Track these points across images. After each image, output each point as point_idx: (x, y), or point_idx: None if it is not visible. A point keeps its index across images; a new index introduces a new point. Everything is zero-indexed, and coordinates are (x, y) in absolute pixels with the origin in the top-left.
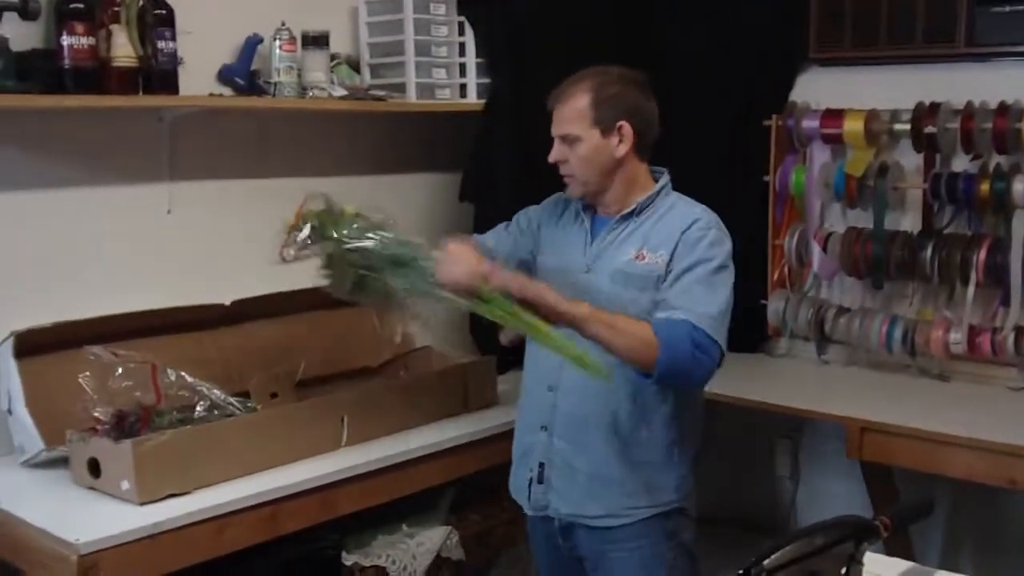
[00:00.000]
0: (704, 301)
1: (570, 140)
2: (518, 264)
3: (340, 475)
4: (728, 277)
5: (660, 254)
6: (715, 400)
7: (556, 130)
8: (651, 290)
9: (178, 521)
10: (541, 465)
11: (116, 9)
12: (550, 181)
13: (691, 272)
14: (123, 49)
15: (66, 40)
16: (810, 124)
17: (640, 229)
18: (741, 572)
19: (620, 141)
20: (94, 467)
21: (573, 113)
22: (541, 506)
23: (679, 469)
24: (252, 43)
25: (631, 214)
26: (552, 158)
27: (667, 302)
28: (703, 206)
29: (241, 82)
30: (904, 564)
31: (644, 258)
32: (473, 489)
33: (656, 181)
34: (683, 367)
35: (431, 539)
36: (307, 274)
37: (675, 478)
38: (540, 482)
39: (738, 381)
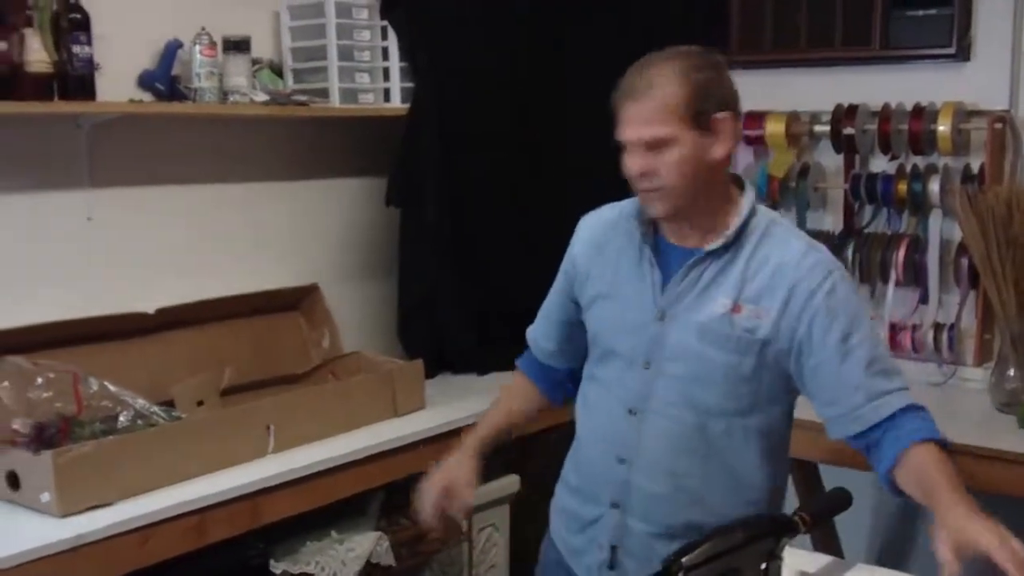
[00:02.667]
0: (894, 364)
1: (659, 144)
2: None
3: (267, 482)
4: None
5: (764, 307)
6: None
7: (636, 133)
8: (736, 352)
9: (101, 533)
10: (613, 549)
11: (29, 13)
12: (474, 184)
13: (857, 337)
14: (37, 54)
15: None
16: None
17: (734, 267)
18: (660, 570)
19: (717, 140)
20: (12, 480)
21: (663, 108)
22: None
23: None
24: (172, 48)
25: (726, 246)
26: (637, 170)
27: (867, 385)
28: (805, 236)
29: (161, 88)
30: (824, 558)
31: (742, 311)
32: (403, 494)
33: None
34: None
35: (361, 545)
36: (233, 280)
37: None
38: (612, 568)
39: None
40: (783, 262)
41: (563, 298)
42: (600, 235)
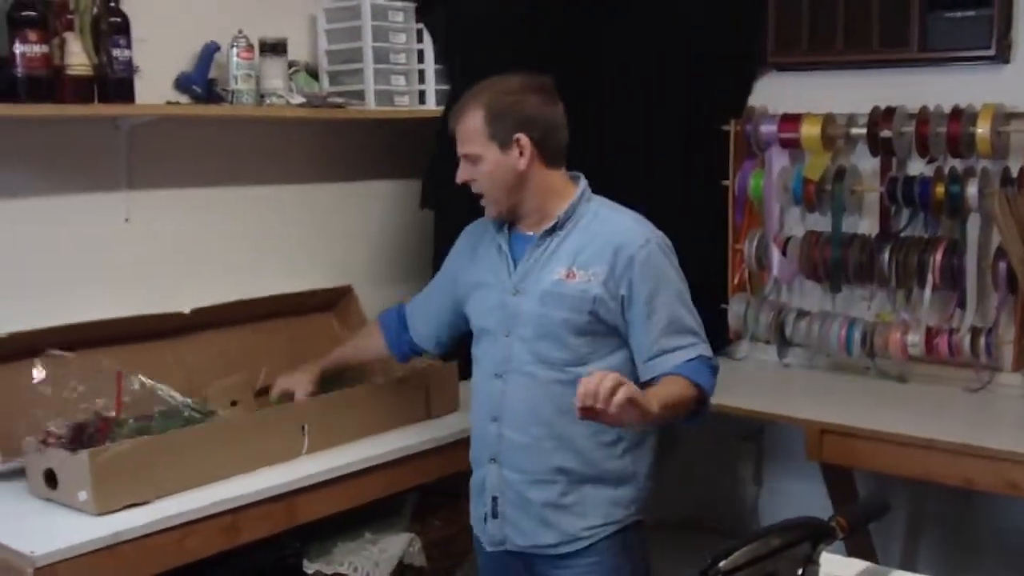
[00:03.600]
0: (692, 323)
1: (472, 159)
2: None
3: (302, 483)
4: (685, 285)
5: (593, 272)
6: None
7: (459, 149)
8: (586, 311)
9: (138, 531)
10: (494, 499)
11: (70, 17)
12: None
13: (661, 298)
14: (77, 57)
15: (19, 48)
16: (768, 129)
17: (566, 244)
18: (699, 574)
19: (520, 154)
20: (51, 478)
21: (470, 131)
22: (498, 541)
23: (637, 482)
24: (209, 51)
25: (553, 228)
26: (459, 179)
27: (662, 342)
28: (631, 212)
29: (198, 90)
30: (860, 564)
31: (575, 276)
32: (436, 495)
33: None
34: (711, 398)
35: (393, 546)
36: (267, 280)
37: (633, 491)
38: (495, 517)
39: None
40: (610, 234)
41: (445, 289)
42: (474, 236)
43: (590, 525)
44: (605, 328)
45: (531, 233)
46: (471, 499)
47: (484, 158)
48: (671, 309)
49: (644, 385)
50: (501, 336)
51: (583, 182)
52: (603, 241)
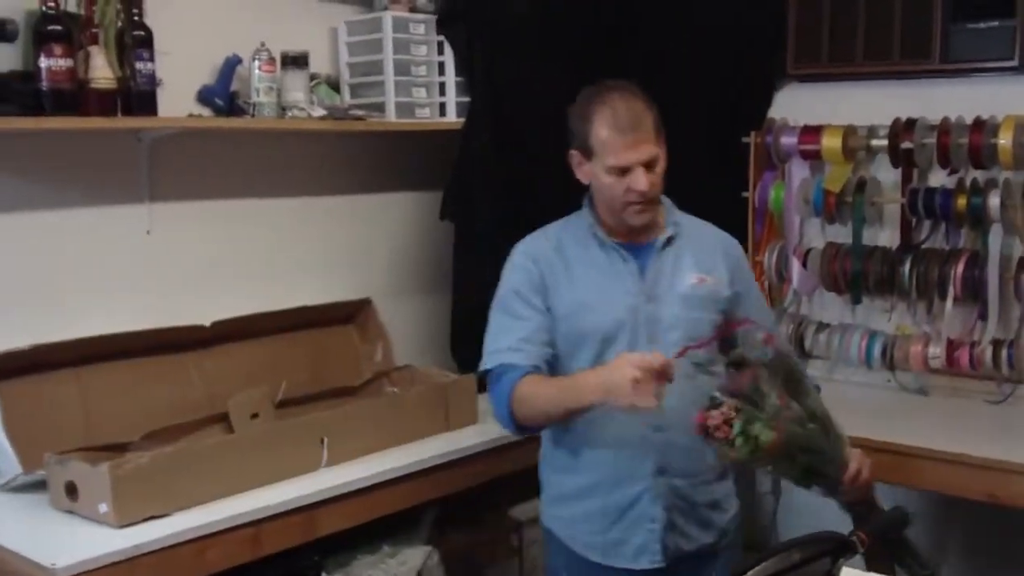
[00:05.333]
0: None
1: (654, 162)
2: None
3: (321, 495)
4: None
5: (717, 275)
6: None
7: (639, 156)
8: (716, 311)
9: (158, 543)
10: (666, 513)
11: (94, 31)
12: (529, 198)
13: (756, 288)
14: (102, 71)
15: (44, 62)
16: (788, 140)
17: (683, 251)
18: None
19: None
20: (71, 490)
21: (650, 132)
22: (672, 553)
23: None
24: (231, 64)
25: (671, 237)
26: (642, 186)
27: (761, 321)
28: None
29: (220, 103)
30: None
31: (705, 280)
32: (455, 508)
33: None
34: None
35: (412, 559)
36: (288, 293)
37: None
38: (672, 530)
39: None
40: (711, 238)
41: (541, 318)
42: (550, 251)
43: (732, 515)
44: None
45: (642, 242)
46: (593, 529)
47: (660, 159)
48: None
49: None
50: (642, 343)
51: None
52: (711, 245)
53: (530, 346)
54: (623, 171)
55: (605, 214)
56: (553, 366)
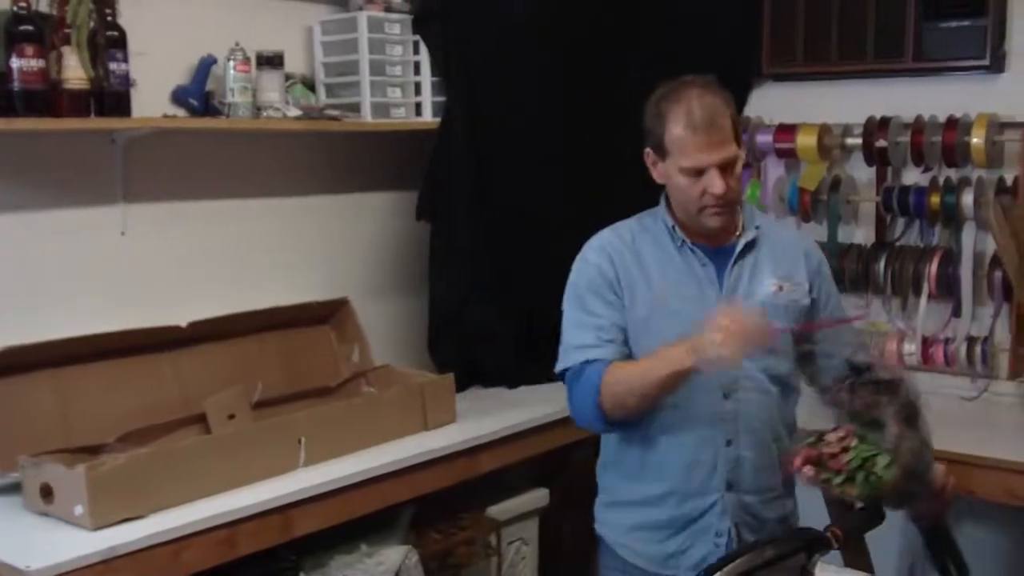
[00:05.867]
0: None
1: (732, 163)
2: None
3: (298, 496)
4: None
5: (797, 280)
6: None
7: (715, 157)
8: (794, 320)
9: (134, 545)
10: (735, 528)
11: (67, 31)
12: (505, 198)
13: (835, 294)
14: (74, 71)
15: (16, 62)
16: (764, 139)
17: (762, 256)
18: None
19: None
20: (47, 492)
21: (728, 132)
22: None
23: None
24: (206, 64)
25: (753, 240)
26: (721, 189)
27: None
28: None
29: (195, 103)
30: (856, 574)
31: (784, 289)
32: (433, 507)
33: None
34: None
35: (390, 558)
36: (264, 293)
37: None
38: (738, 544)
39: None
40: (790, 242)
41: (616, 314)
42: (624, 249)
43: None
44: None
45: (717, 245)
46: (654, 539)
47: (738, 161)
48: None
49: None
50: None
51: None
52: (792, 250)
53: (609, 343)
54: (698, 172)
55: (681, 215)
56: None
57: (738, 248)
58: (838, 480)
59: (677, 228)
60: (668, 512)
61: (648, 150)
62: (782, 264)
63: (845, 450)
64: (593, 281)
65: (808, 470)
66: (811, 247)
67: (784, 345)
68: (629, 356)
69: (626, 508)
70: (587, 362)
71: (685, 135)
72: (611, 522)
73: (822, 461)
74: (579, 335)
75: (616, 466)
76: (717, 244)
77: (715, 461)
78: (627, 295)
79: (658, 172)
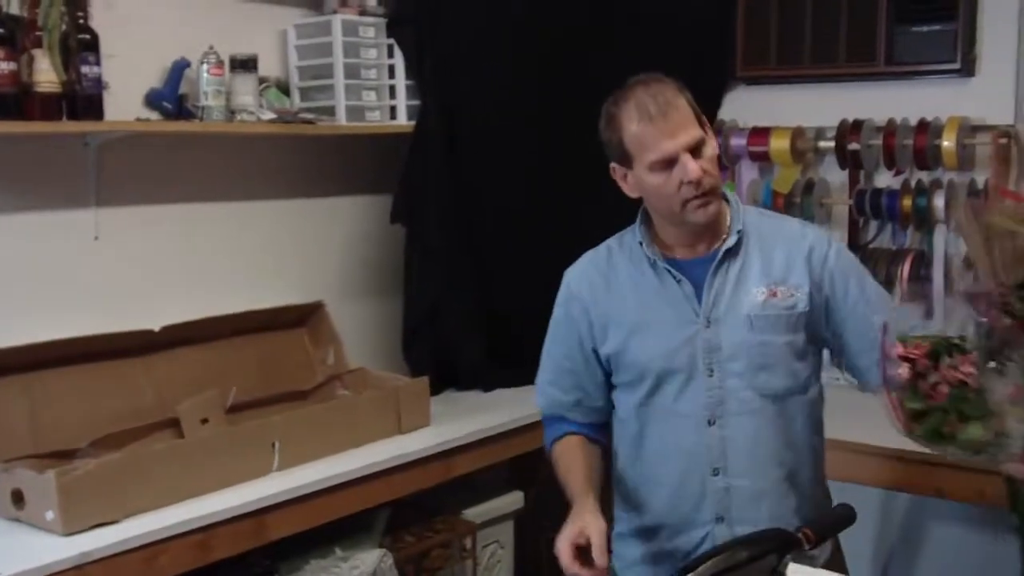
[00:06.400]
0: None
1: (699, 145)
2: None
3: (272, 500)
4: None
5: (793, 283)
6: None
7: (680, 142)
8: (788, 332)
9: (107, 551)
10: None
11: (38, 34)
12: (480, 201)
13: (867, 288)
14: (46, 74)
15: None
16: (737, 142)
17: (750, 260)
18: None
19: (711, 138)
20: (18, 498)
21: (687, 114)
22: None
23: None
24: (179, 67)
25: (735, 245)
26: (698, 173)
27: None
28: (790, 216)
29: (169, 106)
30: (828, 575)
31: (777, 295)
32: (408, 511)
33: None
34: None
35: (365, 562)
36: (238, 297)
37: None
38: None
39: None
40: (790, 241)
41: (576, 357)
42: (598, 279)
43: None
44: (814, 347)
45: (701, 255)
46: (649, 567)
47: (707, 143)
48: (883, 293)
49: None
50: (702, 376)
51: (730, 191)
52: (787, 248)
53: (554, 390)
54: (668, 163)
55: (665, 224)
56: (612, 396)
57: (718, 257)
58: (916, 404)
59: (645, 244)
60: (660, 545)
61: (613, 166)
62: (775, 266)
63: (950, 384)
64: (557, 317)
65: (904, 370)
66: (816, 240)
67: (775, 358)
68: (599, 393)
69: (629, 539)
70: (546, 417)
71: (641, 128)
72: (619, 553)
73: (923, 373)
74: (545, 368)
75: (617, 493)
76: (696, 255)
77: (703, 492)
78: (599, 333)
79: (629, 185)
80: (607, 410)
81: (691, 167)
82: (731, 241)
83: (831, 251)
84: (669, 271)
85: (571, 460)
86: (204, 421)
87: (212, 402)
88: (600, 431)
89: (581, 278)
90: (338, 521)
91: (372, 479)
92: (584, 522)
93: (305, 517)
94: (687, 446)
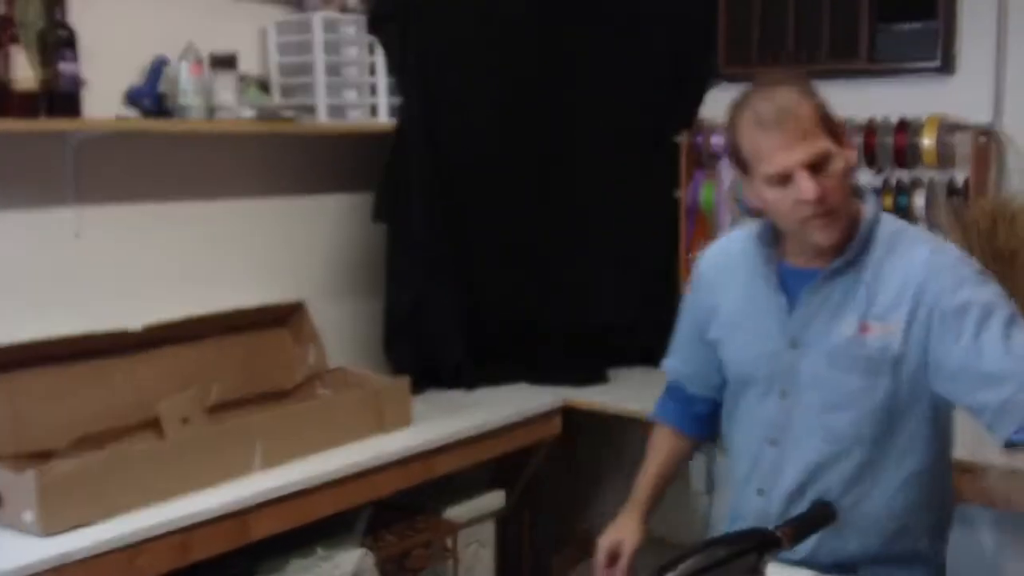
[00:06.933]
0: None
1: (821, 161)
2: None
3: (254, 500)
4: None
5: (892, 322)
6: (629, 416)
7: (797, 156)
8: (886, 375)
9: (86, 552)
10: None
11: (15, 30)
12: (463, 199)
13: (985, 316)
14: (23, 71)
15: None
16: (719, 140)
17: (860, 284)
18: None
19: (847, 148)
20: None
21: (810, 123)
22: None
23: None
24: (159, 65)
25: (850, 262)
26: (813, 193)
27: (996, 373)
28: (929, 238)
29: (148, 104)
30: (807, 573)
31: (871, 330)
32: (389, 510)
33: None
34: None
35: (347, 562)
36: (219, 296)
37: None
38: None
39: (652, 395)
40: (908, 272)
41: (693, 336)
42: (723, 266)
43: None
44: (909, 399)
45: (810, 267)
46: None
47: (833, 157)
48: (1008, 334)
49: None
50: (775, 396)
51: (874, 200)
52: (900, 281)
53: (675, 359)
54: (783, 179)
55: (787, 232)
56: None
57: (825, 273)
58: None
59: (766, 242)
60: None
61: (736, 173)
62: (881, 298)
63: None
64: (687, 299)
65: None
66: (934, 272)
67: (848, 399)
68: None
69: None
70: (668, 385)
71: (756, 137)
72: None
73: None
74: (674, 336)
75: None
76: (813, 265)
77: (748, 506)
78: (704, 320)
79: (749, 194)
80: (723, 387)
81: (805, 186)
82: (836, 263)
83: (946, 287)
84: (770, 277)
85: (651, 457)
86: (185, 421)
87: (192, 401)
88: (705, 420)
89: (710, 260)
90: (319, 521)
91: (353, 479)
92: (623, 536)
93: (286, 517)
94: (748, 458)
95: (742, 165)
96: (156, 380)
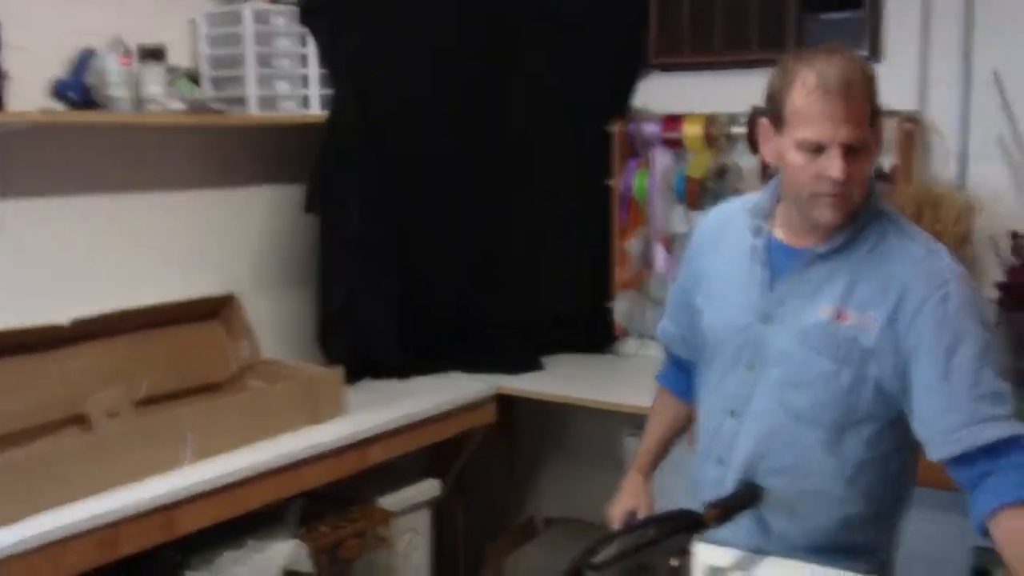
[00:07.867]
0: (1002, 388)
1: (859, 149)
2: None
3: (184, 493)
4: (992, 336)
5: (870, 315)
6: (565, 403)
7: (840, 133)
8: (852, 364)
9: (10, 550)
10: None
11: None
12: (395, 190)
13: (963, 352)
14: None
15: None
16: (651, 129)
17: (844, 271)
18: (568, 569)
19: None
20: None
21: (864, 109)
22: None
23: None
24: (85, 56)
25: (839, 249)
26: (840, 173)
27: (970, 407)
28: (923, 237)
29: (75, 96)
30: (737, 552)
31: (847, 318)
32: (323, 501)
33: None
34: None
35: (279, 553)
36: (150, 290)
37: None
38: None
39: (587, 382)
40: (896, 268)
41: (683, 300)
42: (716, 231)
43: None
44: (870, 395)
45: (798, 247)
46: None
47: (868, 150)
48: (978, 369)
49: (952, 464)
50: (742, 368)
51: (875, 189)
52: (885, 276)
53: (667, 320)
54: (817, 149)
55: (789, 203)
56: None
57: (814, 254)
58: None
59: (761, 212)
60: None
61: (763, 121)
62: (864, 288)
63: None
64: (683, 261)
65: None
66: (925, 286)
67: (810, 380)
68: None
69: None
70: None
71: (812, 99)
72: None
73: None
74: (669, 298)
75: None
76: (803, 244)
77: (706, 476)
78: (693, 285)
79: (769, 148)
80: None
81: (836, 166)
82: (827, 247)
83: (935, 295)
84: (758, 249)
85: (651, 422)
86: (113, 415)
87: (121, 396)
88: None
89: (706, 225)
90: (251, 513)
91: (286, 470)
92: (637, 501)
93: (216, 510)
94: (710, 427)
95: (779, 119)
96: (85, 375)
